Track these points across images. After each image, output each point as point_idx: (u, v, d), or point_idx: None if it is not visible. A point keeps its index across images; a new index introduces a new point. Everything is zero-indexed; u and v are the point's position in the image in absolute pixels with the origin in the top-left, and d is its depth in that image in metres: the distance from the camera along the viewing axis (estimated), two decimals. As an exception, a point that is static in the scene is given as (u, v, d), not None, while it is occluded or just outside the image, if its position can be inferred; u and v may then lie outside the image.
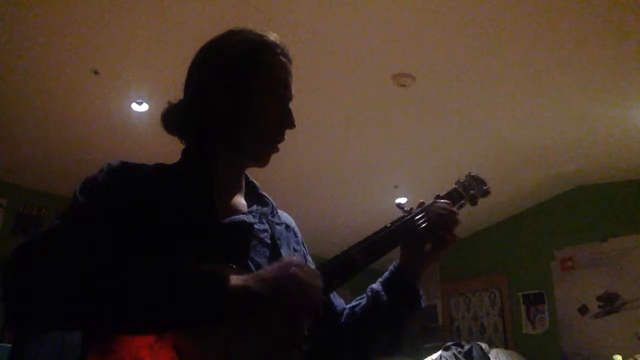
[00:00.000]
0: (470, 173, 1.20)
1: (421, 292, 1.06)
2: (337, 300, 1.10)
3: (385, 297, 1.04)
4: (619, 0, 2.45)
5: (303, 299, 0.78)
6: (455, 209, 1.08)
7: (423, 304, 1.06)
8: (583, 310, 4.45)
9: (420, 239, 1.05)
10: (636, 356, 3.57)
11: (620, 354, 3.62)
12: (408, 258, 1.06)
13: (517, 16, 2.61)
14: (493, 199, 1.19)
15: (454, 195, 1.14)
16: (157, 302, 0.74)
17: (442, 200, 1.10)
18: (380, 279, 1.09)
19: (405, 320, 1.06)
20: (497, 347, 4.67)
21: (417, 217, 1.06)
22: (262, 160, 1.00)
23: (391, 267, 1.08)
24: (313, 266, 1.07)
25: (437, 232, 1.04)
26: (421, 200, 1.11)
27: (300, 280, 0.79)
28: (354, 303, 1.09)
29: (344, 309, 1.09)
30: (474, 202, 1.16)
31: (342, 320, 1.07)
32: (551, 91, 3.22)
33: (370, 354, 1.06)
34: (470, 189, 1.16)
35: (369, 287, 1.08)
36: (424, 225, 1.04)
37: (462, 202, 1.14)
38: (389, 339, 1.05)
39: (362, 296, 1.09)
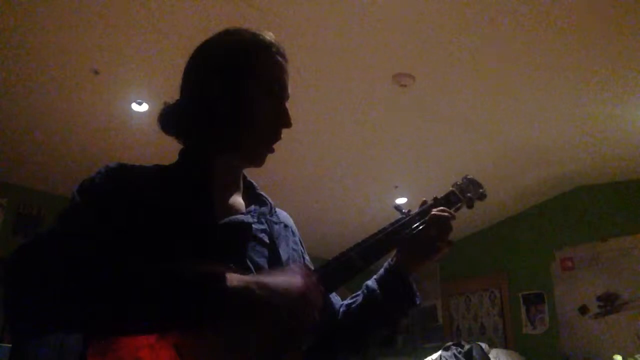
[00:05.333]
0: (467, 176, 1.22)
1: (415, 289, 1.07)
2: (335, 297, 1.11)
3: (380, 295, 1.05)
4: (620, 0, 2.45)
5: (301, 312, 0.79)
6: (452, 213, 1.08)
7: (418, 300, 1.07)
8: (583, 310, 4.45)
9: (417, 242, 1.06)
10: (636, 356, 3.57)
11: (620, 354, 3.62)
12: (403, 258, 1.07)
13: (517, 16, 2.61)
14: (493, 199, 1.20)
15: (451, 198, 1.15)
16: (156, 302, 0.74)
17: (438, 209, 1.09)
18: (375, 276, 1.10)
19: (400, 317, 1.08)
20: (497, 347, 4.67)
21: (415, 221, 1.06)
22: (257, 160, 1.00)
23: (386, 265, 1.10)
24: (311, 265, 1.07)
25: (433, 239, 1.04)
26: (424, 199, 1.13)
27: (301, 293, 0.80)
28: (349, 300, 1.10)
29: (341, 305, 1.10)
30: (470, 205, 1.17)
31: (339, 317, 1.08)
32: (551, 91, 3.22)
33: (367, 350, 1.08)
34: (467, 192, 1.17)
35: (364, 284, 1.10)
36: (421, 228, 1.06)
37: (458, 204, 1.16)
38: (384, 336, 1.07)
39: (357, 293, 1.10)
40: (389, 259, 1.10)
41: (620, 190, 4.44)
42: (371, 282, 1.09)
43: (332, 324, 1.06)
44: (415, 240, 1.06)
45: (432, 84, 3.19)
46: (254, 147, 0.99)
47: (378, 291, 1.06)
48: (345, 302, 1.11)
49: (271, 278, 0.81)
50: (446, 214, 1.07)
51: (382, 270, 1.10)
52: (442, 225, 1.05)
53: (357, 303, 1.08)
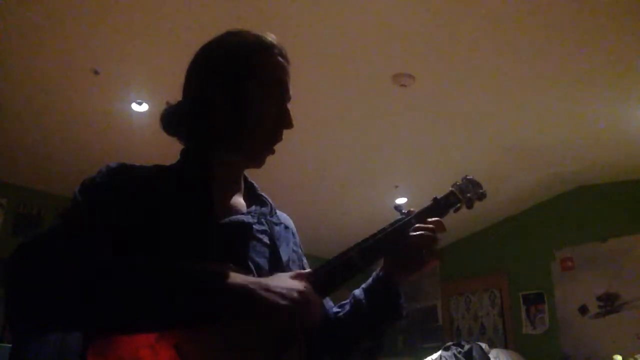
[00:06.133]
0: (466, 176, 1.20)
1: (402, 301, 1.04)
2: (327, 302, 1.10)
3: (365, 305, 1.03)
4: (620, 0, 2.45)
5: (300, 316, 0.79)
6: (434, 228, 1.03)
7: (404, 312, 1.05)
8: (583, 310, 4.45)
9: (405, 253, 1.02)
10: (636, 356, 3.57)
11: (620, 354, 3.61)
12: (391, 268, 1.04)
13: (517, 16, 2.61)
14: (493, 199, 1.18)
15: (450, 198, 1.13)
16: (157, 302, 0.74)
17: (423, 223, 1.05)
18: (363, 285, 1.08)
19: (385, 327, 1.06)
20: (497, 347, 4.67)
21: (414, 222, 1.04)
22: (258, 160, 1.01)
23: (374, 275, 1.07)
24: (308, 268, 1.07)
25: (419, 251, 1.00)
26: (411, 209, 1.09)
27: (302, 298, 0.80)
28: (337, 309, 1.09)
29: (332, 312, 1.10)
30: (470, 206, 1.15)
31: (329, 323, 1.07)
32: (551, 91, 3.22)
33: (351, 358, 1.07)
34: (467, 192, 1.16)
35: (352, 292, 1.08)
36: (407, 240, 1.01)
37: (458, 205, 1.14)
38: (369, 346, 1.05)
39: (345, 301, 1.09)
40: (378, 268, 1.07)
41: (620, 190, 4.44)
42: (358, 292, 1.07)
43: (322, 329, 1.06)
44: (403, 251, 1.02)
45: (432, 84, 3.19)
46: (255, 147, 0.99)
47: (364, 301, 1.04)
48: (334, 309, 1.09)
49: (272, 279, 0.82)
50: (429, 227, 1.02)
51: (370, 279, 1.07)
52: (426, 238, 1.00)
53: (344, 311, 1.07)
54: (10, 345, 2.68)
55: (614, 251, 4.36)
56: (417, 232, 1.01)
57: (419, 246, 1.00)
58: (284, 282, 0.82)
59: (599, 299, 4.37)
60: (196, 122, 0.98)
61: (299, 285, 0.82)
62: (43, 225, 4.29)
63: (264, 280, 0.81)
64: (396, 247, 1.02)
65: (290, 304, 0.78)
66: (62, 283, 0.73)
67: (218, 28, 1.03)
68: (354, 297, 1.07)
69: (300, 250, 1.11)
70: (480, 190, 1.18)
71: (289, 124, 1.00)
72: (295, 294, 0.79)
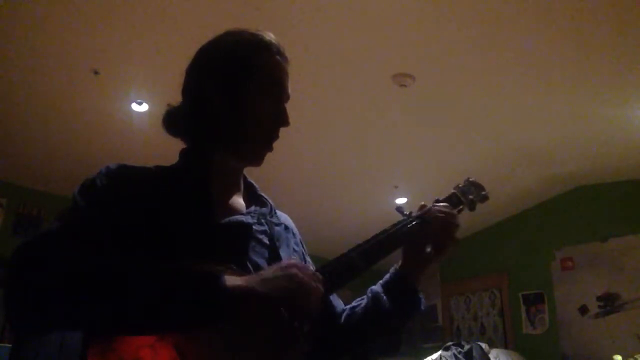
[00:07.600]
0: (469, 178, 1.21)
1: (421, 296, 1.08)
2: (337, 301, 1.11)
3: (385, 300, 1.05)
4: (620, 1, 2.45)
5: (303, 300, 0.79)
6: (454, 211, 1.09)
7: (423, 307, 1.07)
8: (583, 310, 4.45)
9: (421, 242, 1.05)
10: (636, 356, 3.57)
11: (620, 354, 3.61)
12: (409, 261, 1.07)
13: (517, 17, 2.61)
14: (493, 198, 1.19)
15: (453, 200, 1.15)
16: (155, 304, 0.74)
17: (440, 204, 1.10)
18: (381, 281, 1.10)
19: (404, 323, 1.08)
20: (497, 347, 4.67)
21: (417, 221, 1.06)
22: (256, 160, 1.01)
23: (392, 269, 1.10)
24: (312, 267, 1.07)
25: (438, 236, 1.04)
26: (422, 203, 1.12)
27: (300, 281, 0.79)
28: (354, 304, 1.10)
29: (344, 309, 1.10)
30: (472, 208, 1.17)
31: (342, 321, 1.08)
32: (551, 91, 3.22)
33: (369, 354, 1.08)
34: (469, 194, 1.17)
35: (370, 288, 1.10)
36: (423, 229, 1.05)
37: (460, 207, 1.15)
38: (388, 341, 1.07)
39: (362, 297, 1.10)
40: (395, 264, 1.10)
41: (620, 190, 4.44)
42: (377, 287, 1.09)
43: (334, 327, 1.06)
44: (419, 241, 1.05)
45: (432, 84, 3.19)
46: (254, 147, 0.99)
47: (383, 296, 1.06)
48: (350, 305, 1.11)
49: (269, 272, 0.81)
50: (448, 210, 1.07)
51: (388, 275, 1.10)
52: (446, 221, 1.05)
53: (361, 307, 1.08)
54: (10, 345, 2.69)
55: (614, 251, 4.36)
56: (440, 215, 1.05)
57: (441, 228, 1.04)
58: (278, 269, 0.81)
59: (599, 299, 4.37)
60: (195, 123, 0.98)
61: (289, 264, 0.82)
62: (43, 225, 4.30)
63: (262, 274, 0.80)
64: (412, 240, 1.05)
65: (288, 293, 0.78)
66: (61, 283, 0.73)
67: (218, 28, 1.04)
68: (372, 291, 1.08)
69: (302, 249, 1.11)
70: (483, 193, 1.19)
71: (285, 122, 1.00)
72: (292, 281, 0.79)
